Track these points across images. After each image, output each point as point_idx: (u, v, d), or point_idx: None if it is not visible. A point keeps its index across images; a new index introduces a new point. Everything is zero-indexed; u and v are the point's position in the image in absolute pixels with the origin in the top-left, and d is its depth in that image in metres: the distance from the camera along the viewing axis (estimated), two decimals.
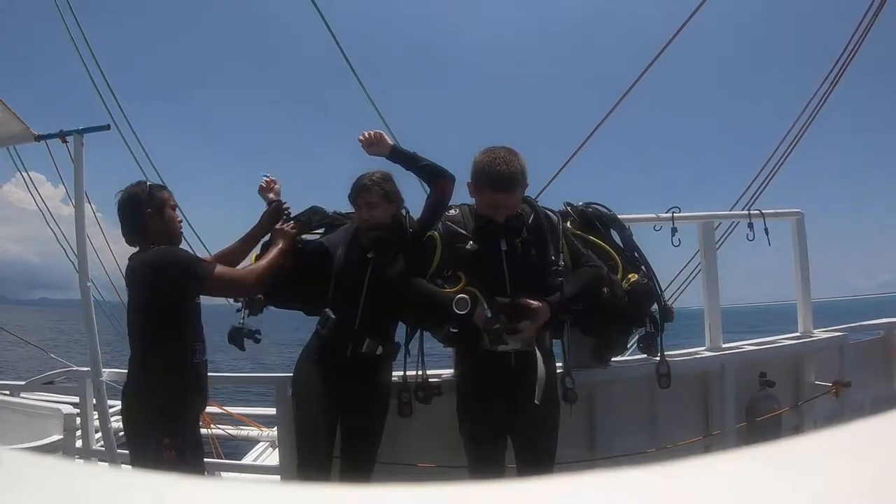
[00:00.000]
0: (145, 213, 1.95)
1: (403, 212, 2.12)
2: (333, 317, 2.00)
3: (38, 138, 3.10)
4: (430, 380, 2.19)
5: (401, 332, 2.17)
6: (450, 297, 1.82)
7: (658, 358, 2.36)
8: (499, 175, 1.80)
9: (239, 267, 2.11)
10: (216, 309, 2.24)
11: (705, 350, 2.69)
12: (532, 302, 1.82)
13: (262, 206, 2.27)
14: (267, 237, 2.19)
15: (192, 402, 2.02)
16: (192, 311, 1.98)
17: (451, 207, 2.03)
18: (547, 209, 2.06)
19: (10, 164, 4.31)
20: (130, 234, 1.98)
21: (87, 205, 3.26)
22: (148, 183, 2.04)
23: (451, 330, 1.89)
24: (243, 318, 2.09)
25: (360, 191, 2.04)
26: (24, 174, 4.55)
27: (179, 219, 2.08)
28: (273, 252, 2.01)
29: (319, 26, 4.30)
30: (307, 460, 2.01)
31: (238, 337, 2.09)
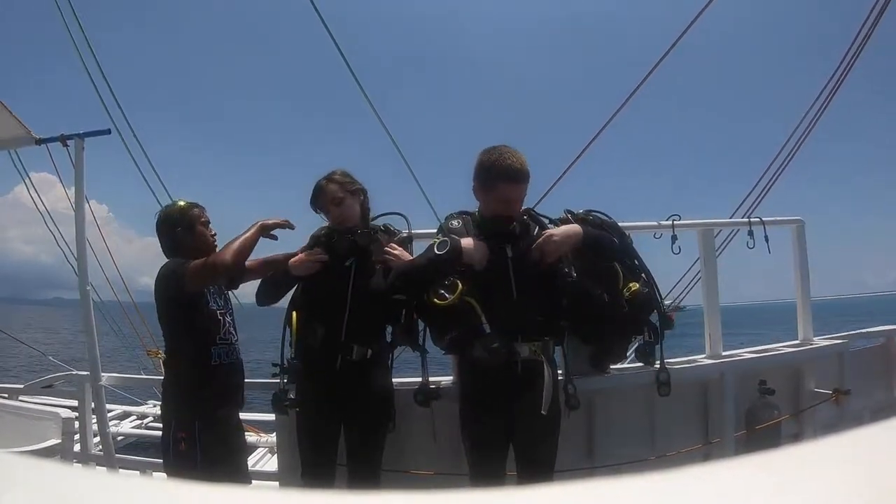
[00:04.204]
0: (176, 232, 2.06)
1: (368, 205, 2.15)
2: (322, 329, 1.99)
3: (39, 142, 3.11)
4: (430, 385, 2.17)
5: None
6: (432, 253, 1.84)
7: (657, 366, 2.35)
8: (511, 167, 1.83)
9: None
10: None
11: (705, 357, 2.68)
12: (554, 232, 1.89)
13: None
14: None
15: (215, 404, 2.03)
16: (206, 316, 2.02)
17: (452, 218, 2.03)
18: (545, 216, 2.06)
19: (22, 166, 4.32)
20: (166, 251, 2.09)
21: (88, 207, 3.27)
22: (180, 203, 2.14)
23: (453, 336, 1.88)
24: (283, 384, 2.07)
25: (320, 192, 2.05)
26: (27, 178, 4.57)
27: (213, 233, 2.14)
28: (251, 230, 2.03)
29: (320, 27, 4.31)
30: (309, 469, 2.01)
31: (280, 405, 2.06)
